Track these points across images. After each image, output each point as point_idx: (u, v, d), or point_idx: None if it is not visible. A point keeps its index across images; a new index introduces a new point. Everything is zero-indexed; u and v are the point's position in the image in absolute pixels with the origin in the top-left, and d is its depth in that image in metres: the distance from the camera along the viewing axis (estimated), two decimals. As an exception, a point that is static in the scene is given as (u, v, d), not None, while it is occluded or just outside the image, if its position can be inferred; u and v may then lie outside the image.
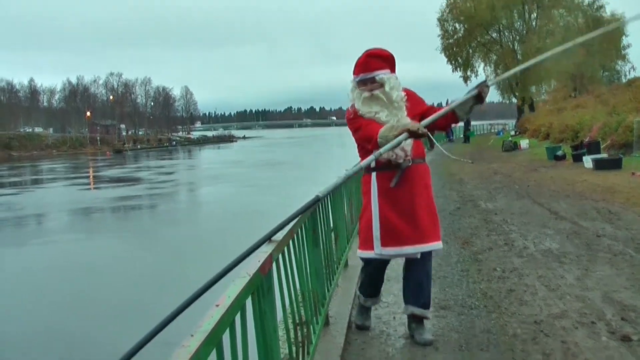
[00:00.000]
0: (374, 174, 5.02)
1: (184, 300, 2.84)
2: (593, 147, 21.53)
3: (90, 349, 9.99)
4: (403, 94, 4.92)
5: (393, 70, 4.98)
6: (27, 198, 33.97)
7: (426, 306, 5.14)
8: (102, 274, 15.18)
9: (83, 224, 24.41)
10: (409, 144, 4.85)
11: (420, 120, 4.81)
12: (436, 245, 5.00)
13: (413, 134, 4.56)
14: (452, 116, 4.83)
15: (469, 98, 4.72)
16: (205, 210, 27.46)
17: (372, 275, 5.35)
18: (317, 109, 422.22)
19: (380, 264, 5.23)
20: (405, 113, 4.89)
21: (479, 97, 4.70)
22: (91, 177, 50.54)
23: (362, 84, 4.92)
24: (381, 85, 4.85)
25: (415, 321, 5.19)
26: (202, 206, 29.44)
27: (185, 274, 13.35)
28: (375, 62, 4.87)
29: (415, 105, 5.01)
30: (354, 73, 4.97)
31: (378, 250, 4.97)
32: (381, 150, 4.52)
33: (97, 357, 9.54)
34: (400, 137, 4.53)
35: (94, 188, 39.12)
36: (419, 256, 4.97)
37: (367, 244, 5.06)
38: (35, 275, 15.32)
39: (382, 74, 4.84)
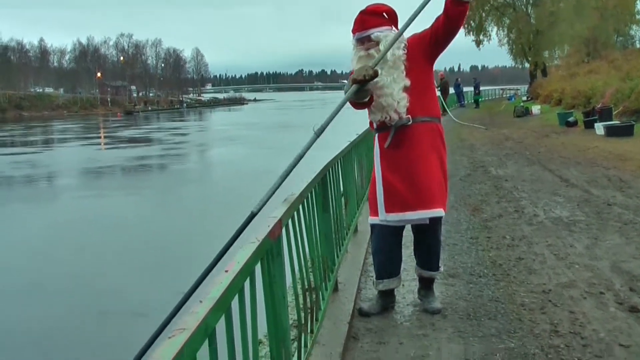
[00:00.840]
0: (376, 135, 4.90)
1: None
2: (605, 114, 21.34)
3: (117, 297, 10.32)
4: (401, 52, 4.63)
5: (395, 25, 4.70)
6: (49, 157, 34.74)
7: (435, 268, 5.08)
8: (131, 227, 15.90)
9: (107, 182, 25.06)
10: (402, 102, 4.60)
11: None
12: (440, 211, 4.77)
13: (358, 82, 4.34)
14: (453, 3, 4.40)
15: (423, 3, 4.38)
16: (222, 170, 27.79)
17: (383, 248, 4.97)
18: (329, 72, 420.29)
19: (391, 233, 4.89)
20: (404, 72, 4.61)
21: None
22: (107, 137, 50.91)
23: (359, 42, 4.71)
24: (377, 43, 4.60)
25: (425, 287, 5.13)
26: (219, 166, 29.73)
27: (208, 229, 14.12)
28: (371, 19, 4.64)
29: (420, 51, 4.69)
30: (352, 31, 4.76)
31: (382, 216, 4.81)
32: (336, 107, 4.24)
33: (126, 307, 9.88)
34: (351, 89, 4.38)
35: (112, 148, 39.49)
36: (427, 221, 4.80)
37: (373, 209, 4.92)
38: (68, 227, 15.99)
39: (378, 32, 4.59)
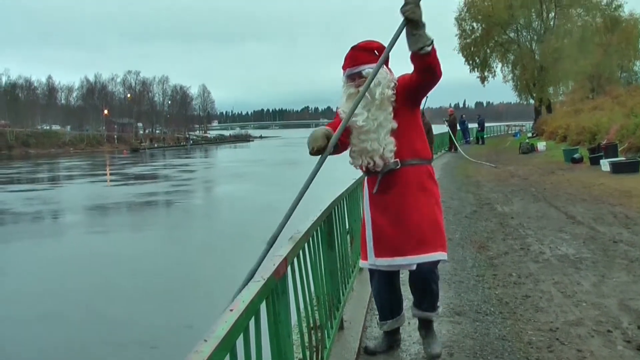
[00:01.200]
0: (365, 179, 4.76)
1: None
2: (610, 150, 21.35)
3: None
4: (391, 92, 4.41)
5: (386, 62, 4.49)
6: (59, 193, 35.01)
7: (431, 309, 4.80)
8: (140, 260, 16.23)
9: (117, 218, 25.27)
10: (388, 146, 4.40)
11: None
12: (434, 256, 4.47)
13: (314, 154, 4.25)
14: (414, 58, 4.18)
15: (399, 30, 4.13)
16: (229, 206, 27.99)
17: (380, 291, 4.87)
18: (334, 109, 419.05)
19: (388, 275, 4.76)
20: (391, 113, 4.41)
21: (407, 20, 4.07)
22: (116, 174, 51.04)
23: (350, 79, 4.53)
24: None
25: (424, 327, 4.89)
26: (226, 202, 29.85)
27: (215, 262, 14.89)
28: (363, 55, 4.47)
29: (408, 92, 4.45)
30: (342, 68, 4.58)
31: (371, 261, 4.62)
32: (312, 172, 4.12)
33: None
34: (319, 160, 4.18)
35: (121, 184, 39.70)
36: (414, 267, 4.53)
37: (364, 253, 4.72)
38: (79, 261, 16.35)
39: (370, 68, 4.33)
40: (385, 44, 4.35)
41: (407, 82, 4.41)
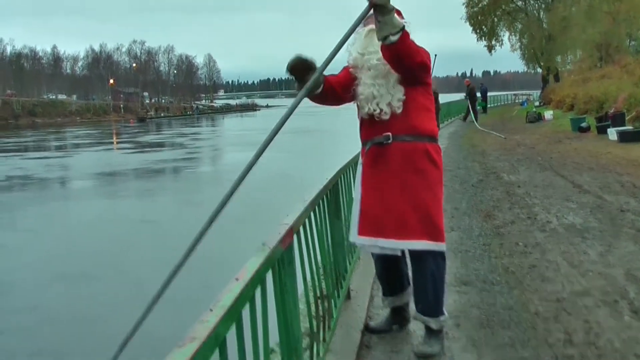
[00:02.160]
0: (361, 150, 4.46)
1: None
2: (618, 119, 21.23)
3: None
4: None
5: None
6: (78, 160, 36.29)
7: (428, 312, 4.32)
8: (167, 225, 17.02)
9: (140, 183, 26.60)
10: (396, 95, 4.09)
11: None
12: (415, 243, 4.13)
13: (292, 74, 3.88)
14: (381, 47, 3.87)
15: (362, 14, 3.64)
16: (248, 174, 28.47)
17: (378, 267, 4.66)
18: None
19: (382, 256, 4.46)
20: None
21: (371, 4, 3.63)
22: (130, 142, 51.98)
23: (368, 22, 4.08)
24: None
25: (426, 330, 4.42)
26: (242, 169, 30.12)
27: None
28: None
29: None
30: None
31: (352, 238, 4.39)
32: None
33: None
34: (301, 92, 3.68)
35: (137, 152, 40.62)
36: (398, 253, 4.32)
37: (352, 228, 4.44)
38: (108, 224, 17.38)
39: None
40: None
41: None
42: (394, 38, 3.73)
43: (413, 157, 4.14)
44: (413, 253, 4.25)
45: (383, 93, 4.10)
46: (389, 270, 4.60)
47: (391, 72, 4.07)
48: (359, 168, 4.46)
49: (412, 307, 4.59)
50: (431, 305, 4.31)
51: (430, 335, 4.37)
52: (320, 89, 4.09)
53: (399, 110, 4.11)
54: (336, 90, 4.21)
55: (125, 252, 13.85)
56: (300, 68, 3.88)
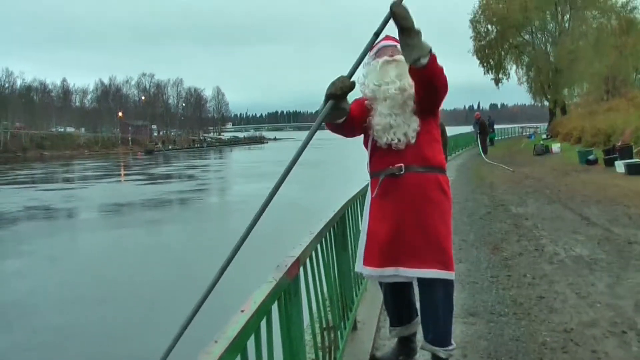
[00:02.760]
0: (370, 181, 4.43)
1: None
2: (625, 152, 21.24)
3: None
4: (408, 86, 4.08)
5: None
6: (93, 192, 37.18)
7: (437, 342, 4.29)
8: (184, 251, 17.96)
9: (157, 213, 27.36)
10: (413, 125, 4.11)
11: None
12: (433, 272, 4.10)
13: (335, 97, 3.76)
14: (411, 70, 3.87)
15: (385, 20, 3.63)
16: (259, 203, 29.06)
17: (387, 298, 4.63)
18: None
19: (390, 286, 4.48)
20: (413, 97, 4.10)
21: (394, 15, 3.59)
22: (141, 174, 52.94)
23: (380, 52, 4.23)
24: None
25: (434, 357, 4.38)
26: (255, 198, 30.56)
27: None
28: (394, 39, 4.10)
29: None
30: (371, 49, 3.88)
31: (358, 268, 4.36)
32: (311, 129, 3.77)
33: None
34: (326, 107, 3.77)
35: (150, 184, 41.65)
36: (411, 280, 4.29)
37: (358, 258, 4.41)
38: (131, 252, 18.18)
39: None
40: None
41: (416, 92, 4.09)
42: (424, 60, 3.74)
43: (425, 188, 4.14)
44: (423, 281, 4.21)
45: (400, 123, 4.11)
46: (397, 300, 4.56)
47: (407, 102, 4.10)
48: (367, 199, 4.42)
49: (419, 337, 4.57)
50: (441, 335, 4.28)
51: None
52: (344, 119, 4.08)
53: (413, 141, 4.12)
54: (355, 121, 4.19)
55: (139, 276, 14.59)
56: (346, 92, 3.82)
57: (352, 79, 3.75)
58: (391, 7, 3.59)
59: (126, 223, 24.04)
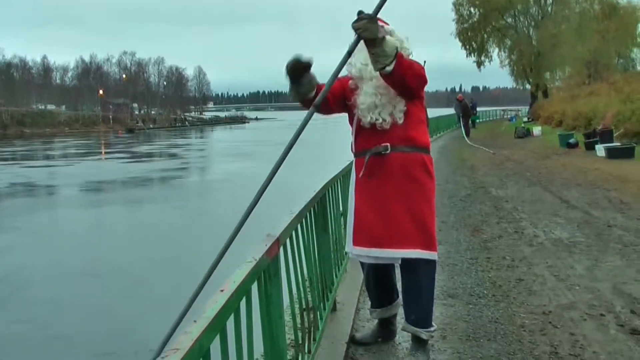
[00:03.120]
0: (354, 160, 4.48)
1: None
2: (606, 136, 21.36)
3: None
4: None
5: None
6: (79, 169, 36.99)
7: (418, 323, 4.39)
8: (160, 228, 18.07)
9: (145, 191, 27.28)
10: (398, 106, 4.15)
11: None
12: (416, 252, 4.18)
13: (289, 75, 4.01)
14: (380, 75, 3.97)
15: (351, 46, 3.81)
16: (243, 182, 28.58)
17: (369, 279, 4.67)
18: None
19: (373, 267, 4.52)
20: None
21: (359, 37, 3.75)
22: (127, 152, 52.59)
23: None
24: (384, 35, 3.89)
25: (415, 341, 4.50)
26: (241, 177, 30.58)
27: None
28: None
29: None
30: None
31: (348, 248, 4.48)
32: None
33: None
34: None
35: (136, 162, 41.47)
36: (398, 262, 4.32)
37: (347, 238, 4.49)
38: (123, 229, 18.31)
39: (386, 27, 4.11)
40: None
41: None
42: (389, 68, 3.82)
43: (410, 167, 4.20)
44: (406, 262, 4.27)
45: (385, 102, 4.14)
46: (380, 282, 4.62)
47: (389, 88, 4.09)
48: (352, 178, 4.48)
49: (398, 319, 4.60)
50: (422, 316, 4.38)
51: (418, 347, 4.44)
52: (312, 94, 4.10)
53: (401, 121, 4.17)
54: (329, 99, 4.15)
55: (127, 252, 14.71)
56: (298, 68, 3.99)
57: (308, 59, 3.96)
58: (352, 26, 3.75)
59: (112, 200, 24.18)
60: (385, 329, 4.78)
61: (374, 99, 4.15)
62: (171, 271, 12.68)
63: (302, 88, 4.10)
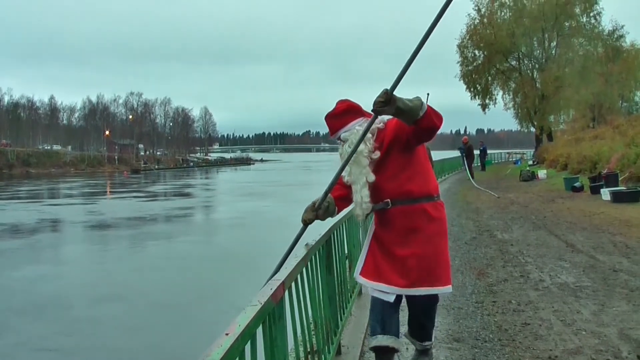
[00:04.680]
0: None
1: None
2: (611, 179, 21.35)
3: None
4: (363, 146, 4.52)
5: (361, 114, 4.72)
6: (102, 207, 39.43)
7: (425, 340, 4.97)
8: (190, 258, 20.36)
9: (168, 226, 29.44)
10: (364, 197, 4.59)
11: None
12: (422, 290, 4.56)
13: (305, 224, 4.49)
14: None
15: (370, 122, 4.42)
16: (258, 218, 31.49)
17: (376, 308, 4.74)
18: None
19: (384, 303, 4.68)
20: (366, 167, 4.55)
21: (378, 110, 4.14)
22: (141, 191, 54.91)
23: (339, 141, 4.76)
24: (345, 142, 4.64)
25: (419, 353, 5.04)
26: (255, 213, 33.35)
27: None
28: (334, 122, 4.74)
29: (401, 133, 4.52)
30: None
31: (355, 274, 4.81)
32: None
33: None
34: (300, 229, 4.47)
35: (152, 200, 44.00)
36: (391, 299, 4.61)
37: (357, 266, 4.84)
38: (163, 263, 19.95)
39: (344, 132, 4.67)
40: (350, 101, 4.77)
41: (400, 129, 4.50)
42: (421, 114, 4.18)
43: (412, 218, 4.56)
44: (412, 296, 4.64)
45: (357, 199, 4.63)
46: (390, 315, 4.71)
47: (357, 180, 4.61)
48: (370, 225, 4.89)
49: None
50: (428, 334, 5.00)
51: (421, 354, 5.02)
52: (335, 210, 4.72)
53: (367, 211, 4.65)
54: (343, 199, 4.76)
55: (148, 279, 16.96)
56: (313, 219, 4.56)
57: (317, 210, 4.53)
58: (372, 109, 4.14)
59: (137, 236, 25.91)
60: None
61: (353, 196, 4.65)
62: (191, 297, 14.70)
63: (332, 216, 4.78)
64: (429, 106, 4.24)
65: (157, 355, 11.35)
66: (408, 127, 4.37)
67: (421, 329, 4.92)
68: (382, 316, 4.70)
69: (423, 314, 4.85)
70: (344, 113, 4.69)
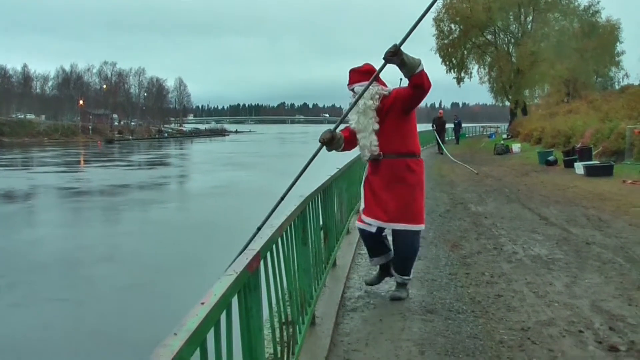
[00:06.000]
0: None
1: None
2: (585, 153, 21.53)
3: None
4: (371, 102, 5.90)
5: (378, 80, 5.97)
6: (90, 175, 40.20)
7: (406, 274, 6.31)
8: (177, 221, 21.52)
9: (158, 192, 30.40)
10: (372, 143, 5.98)
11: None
12: (399, 225, 6.04)
13: (321, 143, 5.77)
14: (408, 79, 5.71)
15: (380, 68, 5.85)
16: (239, 187, 31.80)
17: (366, 240, 6.41)
18: (310, 106, 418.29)
19: (369, 234, 6.25)
20: (372, 118, 5.94)
21: (387, 59, 5.56)
22: (124, 160, 55.32)
23: (352, 92, 6.06)
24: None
25: (398, 285, 6.40)
26: (238, 184, 33.34)
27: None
28: (354, 76, 6.07)
29: (399, 102, 5.94)
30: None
31: (362, 218, 6.23)
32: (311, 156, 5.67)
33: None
34: (319, 147, 5.73)
35: (137, 169, 44.92)
36: (376, 230, 6.19)
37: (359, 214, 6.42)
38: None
39: (358, 86, 5.93)
40: (371, 65, 6.07)
41: (401, 94, 5.90)
42: (418, 70, 5.61)
43: (396, 170, 6.02)
44: (394, 231, 6.15)
45: (365, 143, 6.09)
46: (375, 241, 6.39)
47: (365, 128, 6.04)
48: (365, 174, 6.39)
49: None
50: (408, 269, 6.32)
51: (402, 287, 6.37)
52: (341, 147, 6.12)
53: (376, 152, 6.06)
54: (352, 140, 6.17)
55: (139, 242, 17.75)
56: (332, 142, 5.91)
57: (333, 132, 5.93)
58: (383, 58, 5.61)
59: (123, 202, 26.54)
60: (386, 272, 6.58)
61: (360, 141, 6.11)
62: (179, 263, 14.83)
63: (338, 149, 6.10)
64: (424, 70, 5.61)
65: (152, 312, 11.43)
66: (405, 95, 5.83)
67: (402, 262, 6.24)
68: (369, 244, 6.44)
69: (404, 246, 6.16)
70: (366, 72, 5.98)
